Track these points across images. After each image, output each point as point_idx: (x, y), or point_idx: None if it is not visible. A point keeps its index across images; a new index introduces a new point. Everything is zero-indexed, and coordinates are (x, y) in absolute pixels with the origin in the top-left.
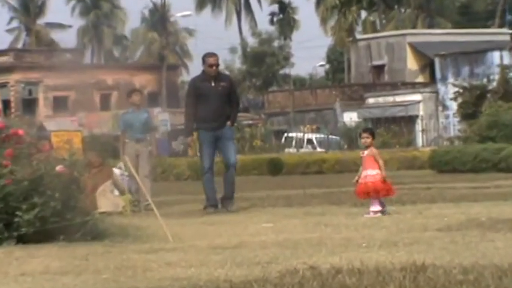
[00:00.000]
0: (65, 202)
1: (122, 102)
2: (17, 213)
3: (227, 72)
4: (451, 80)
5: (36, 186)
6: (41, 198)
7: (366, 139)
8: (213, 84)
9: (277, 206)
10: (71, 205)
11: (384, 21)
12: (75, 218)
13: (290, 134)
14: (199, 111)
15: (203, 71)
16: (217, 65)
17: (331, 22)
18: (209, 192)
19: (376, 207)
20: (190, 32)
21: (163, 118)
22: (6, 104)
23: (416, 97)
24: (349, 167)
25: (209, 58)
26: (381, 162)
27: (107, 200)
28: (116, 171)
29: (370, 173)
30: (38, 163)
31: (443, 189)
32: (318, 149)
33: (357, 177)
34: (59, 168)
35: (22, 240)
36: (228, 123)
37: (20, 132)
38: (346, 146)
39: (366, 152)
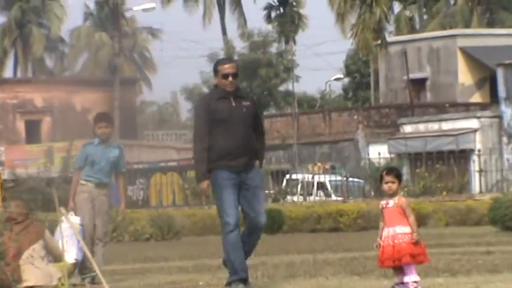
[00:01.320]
0: None
1: (56, 130)
2: None
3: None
4: None
5: None
6: None
7: (391, 184)
8: (233, 103)
9: (276, 276)
10: None
11: (425, 17)
12: None
13: (294, 176)
14: (216, 143)
15: (215, 87)
16: (234, 75)
17: (352, 19)
18: (236, 260)
19: (414, 277)
20: (153, 33)
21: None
22: None
23: (472, 124)
24: (377, 222)
25: (223, 65)
26: (412, 217)
27: (36, 269)
28: (73, 220)
29: (400, 231)
30: None
31: (509, 254)
32: (333, 197)
33: (378, 239)
34: None
35: None
36: (257, 162)
37: None
38: (372, 193)
39: (390, 203)
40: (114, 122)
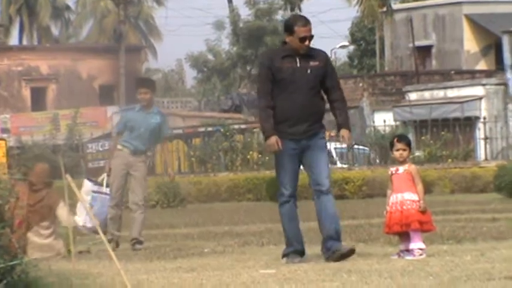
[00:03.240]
0: None
1: (62, 98)
2: None
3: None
4: None
5: None
6: None
7: (402, 152)
8: (298, 64)
9: (281, 243)
10: None
11: None
12: None
13: None
14: (277, 107)
15: (284, 43)
16: (311, 38)
17: None
18: (291, 231)
19: (420, 244)
20: (159, 1)
21: None
22: None
23: (477, 91)
24: (383, 189)
25: (301, 27)
26: (420, 186)
27: (42, 242)
28: (88, 185)
29: (409, 197)
30: None
31: None
32: (339, 164)
33: (387, 207)
34: None
35: None
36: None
37: None
38: (377, 161)
39: (400, 169)
40: (155, 86)
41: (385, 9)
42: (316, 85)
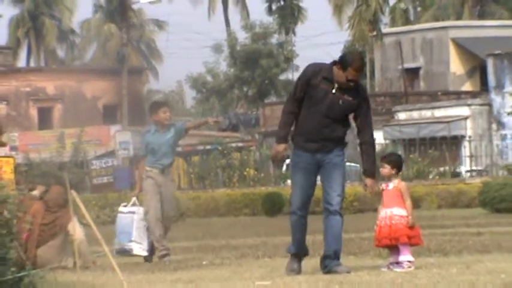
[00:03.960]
0: None
1: (67, 117)
2: None
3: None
4: (509, 88)
5: None
6: None
7: (383, 170)
8: (334, 90)
9: (276, 256)
10: (0, 256)
11: (418, 9)
12: (6, 273)
13: None
14: (300, 118)
15: (334, 64)
16: (357, 80)
17: (348, 11)
18: (294, 239)
19: (409, 257)
20: (160, 25)
21: (124, 139)
22: None
23: (463, 111)
24: (373, 204)
25: (354, 71)
26: (408, 201)
27: (50, 250)
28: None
29: (397, 213)
30: None
31: (498, 235)
32: None
33: (377, 221)
34: None
35: None
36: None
37: None
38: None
39: (390, 185)
40: (171, 108)
41: (375, 33)
42: (342, 117)
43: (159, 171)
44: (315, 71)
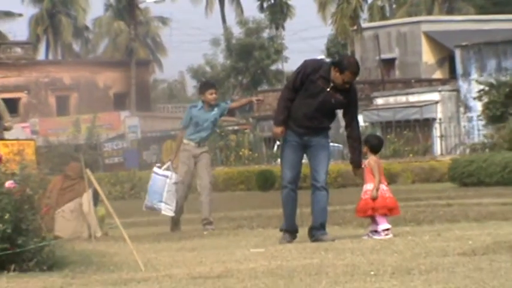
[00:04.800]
0: (16, 225)
1: (82, 104)
2: None
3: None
4: (474, 76)
5: None
6: None
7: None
8: (328, 88)
9: (269, 227)
10: (23, 228)
11: (394, 6)
12: (28, 243)
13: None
14: (293, 105)
15: (332, 65)
16: (351, 82)
17: (331, 8)
18: (286, 213)
19: (385, 225)
20: (164, 21)
21: (133, 124)
22: None
23: (434, 96)
24: (354, 180)
25: (350, 74)
26: (377, 176)
27: (67, 222)
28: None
29: (369, 187)
30: None
31: (466, 206)
32: None
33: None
34: (8, 184)
35: None
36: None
37: None
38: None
39: (365, 163)
40: (218, 89)
41: (355, 27)
42: (332, 113)
43: (195, 144)
44: (314, 68)
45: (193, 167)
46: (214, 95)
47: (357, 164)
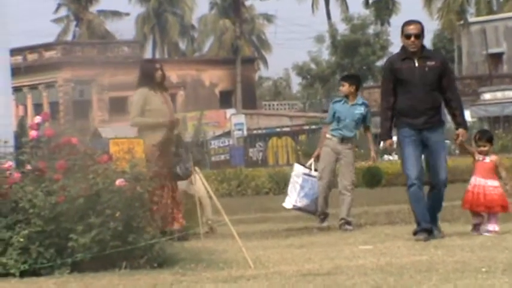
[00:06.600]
0: (126, 222)
1: (189, 102)
2: (71, 236)
3: (312, 66)
4: None
5: (92, 204)
6: (99, 218)
7: (483, 148)
8: (416, 64)
9: (377, 224)
10: (134, 226)
11: (501, 0)
12: (139, 241)
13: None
14: (399, 101)
15: (403, 47)
16: (417, 36)
17: (438, 3)
18: (417, 211)
19: (495, 226)
20: (269, 19)
21: (238, 121)
22: (54, 106)
23: None
24: (462, 175)
25: (407, 26)
26: (504, 172)
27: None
28: (299, 169)
29: (492, 184)
30: (94, 177)
31: None
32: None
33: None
34: (119, 182)
35: (77, 268)
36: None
37: (74, 140)
38: (457, 151)
39: (487, 159)
40: (357, 81)
41: (462, 22)
42: (434, 82)
43: (338, 140)
44: (392, 60)
45: (334, 164)
46: (343, 88)
47: (464, 126)
